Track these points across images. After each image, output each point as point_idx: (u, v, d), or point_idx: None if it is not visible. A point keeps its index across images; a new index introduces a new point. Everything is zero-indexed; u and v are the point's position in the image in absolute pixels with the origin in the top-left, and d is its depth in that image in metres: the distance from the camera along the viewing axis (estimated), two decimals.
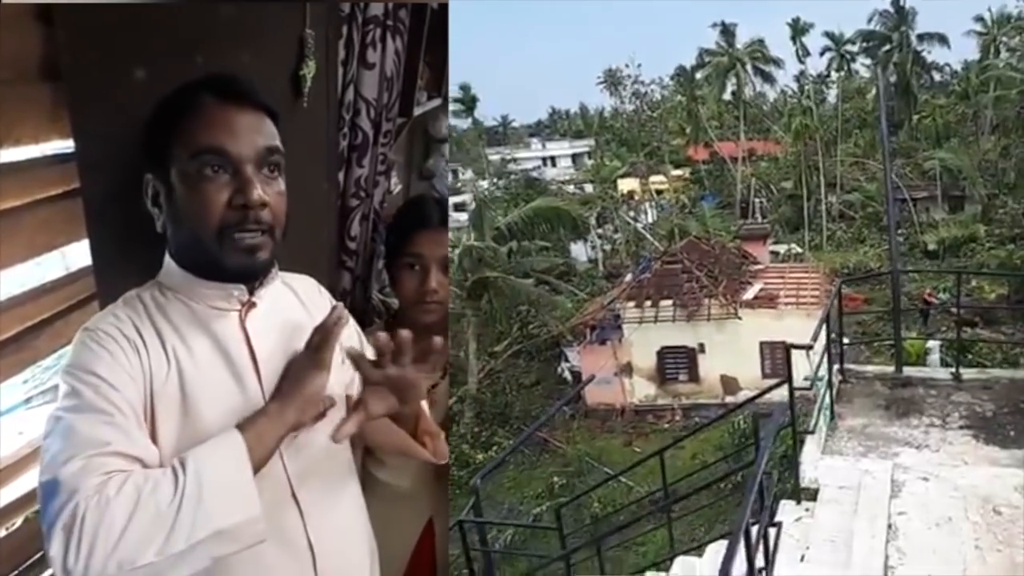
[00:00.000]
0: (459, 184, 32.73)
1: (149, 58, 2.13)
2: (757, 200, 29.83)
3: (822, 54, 33.56)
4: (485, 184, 31.47)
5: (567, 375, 17.11)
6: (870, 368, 5.23)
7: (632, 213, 27.22)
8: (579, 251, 25.21)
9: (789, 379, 3.67)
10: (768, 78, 33.11)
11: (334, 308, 1.98)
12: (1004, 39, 32.91)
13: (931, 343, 15.13)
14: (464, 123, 39.41)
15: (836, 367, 4.95)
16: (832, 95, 34.60)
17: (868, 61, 33.49)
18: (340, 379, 2.26)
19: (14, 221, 2.17)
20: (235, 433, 1.82)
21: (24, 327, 2.45)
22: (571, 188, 30.95)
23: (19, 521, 2.88)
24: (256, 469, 1.80)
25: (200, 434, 1.88)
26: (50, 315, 2.54)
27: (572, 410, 15.35)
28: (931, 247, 23.81)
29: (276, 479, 2.02)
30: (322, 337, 1.95)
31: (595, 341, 15.99)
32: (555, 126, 52.53)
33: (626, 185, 29.28)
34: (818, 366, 4.23)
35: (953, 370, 5.03)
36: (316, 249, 2.88)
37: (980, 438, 4.17)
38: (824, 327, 4.33)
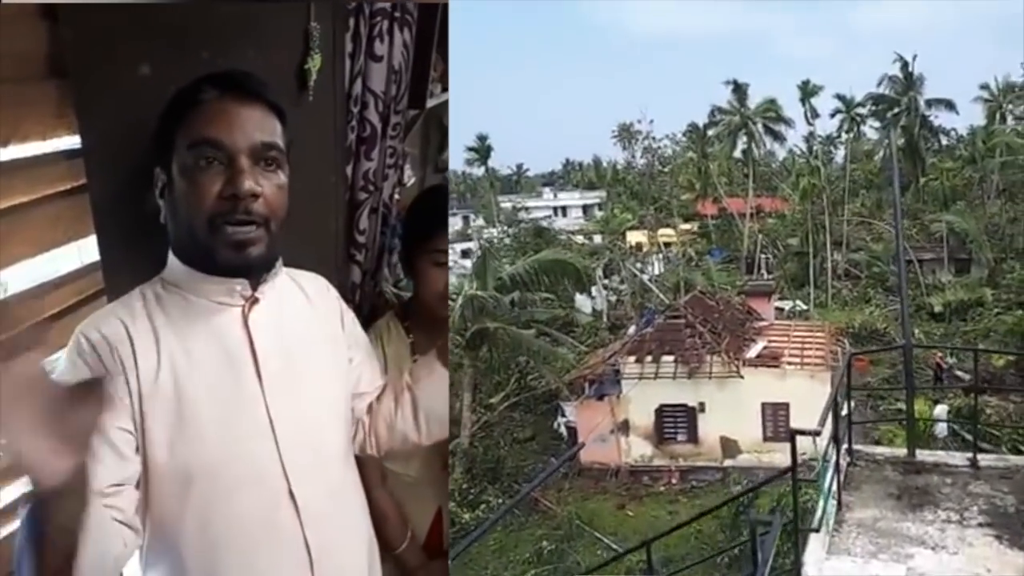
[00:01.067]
0: (469, 230, 32.84)
1: (154, 55, 2.16)
2: (763, 256, 29.80)
3: (832, 116, 33.93)
4: (495, 231, 31.69)
5: (563, 430, 16.69)
6: (880, 450, 4.87)
7: (639, 265, 27.14)
8: (584, 301, 24.98)
9: (793, 469, 3.41)
10: (778, 137, 33.59)
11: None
12: (1010, 107, 33.30)
13: (938, 409, 14.73)
14: (478, 171, 41.05)
15: (844, 447, 4.60)
16: (840, 155, 34.84)
17: (877, 124, 33.89)
18: (345, 384, 2.32)
19: (23, 217, 2.20)
20: None
21: (35, 322, 2.47)
22: (580, 238, 31.05)
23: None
24: None
25: (194, 433, 1.91)
26: (60, 309, 2.56)
27: (565, 469, 14.90)
28: (937, 309, 23.58)
29: (272, 483, 2.01)
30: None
31: (593, 396, 15.61)
32: (568, 177, 53.32)
33: (634, 237, 29.50)
34: (825, 451, 3.94)
35: (969, 455, 4.66)
36: (324, 243, 2.89)
37: (1003, 539, 3.79)
38: (833, 405, 4.04)
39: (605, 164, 44.14)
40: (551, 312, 19.95)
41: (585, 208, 41.65)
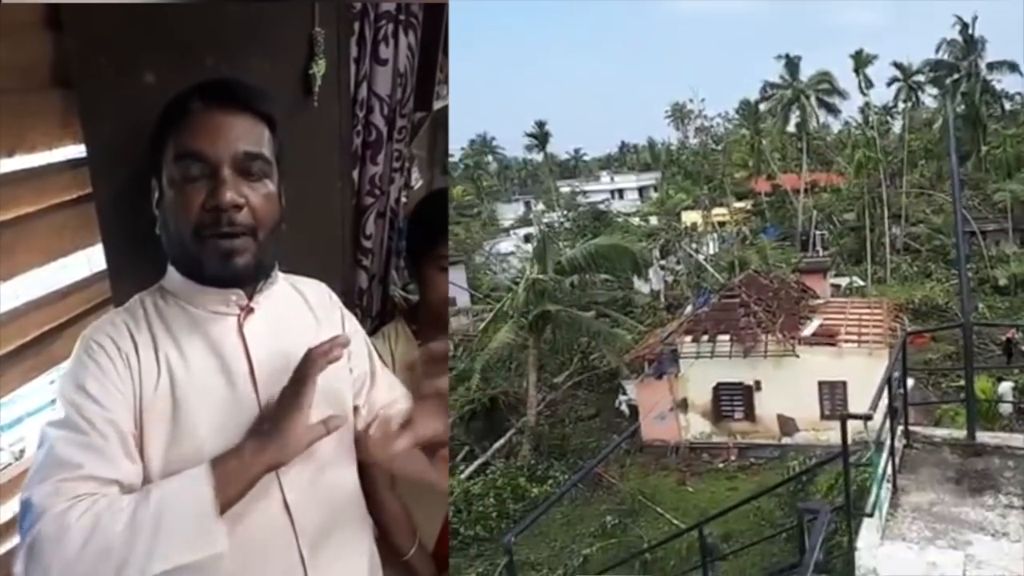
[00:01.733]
0: (530, 215, 33.60)
1: (158, 62, 2.16)
2: (818, 232, 29.37)
3: (889, 84, 32.80)
4: (556, 215, 31.97)
5: (624, 408, 17.21)
6: (939, 432, 4.71)
7: (694, 245, 27.26)
8: (641, 283, 25.40)
9: (845, 455, 3.39)
10: (832, 110, 32.71)
11: (329, 341, 1.93)
12: None
13: (1003, 386, 14.61)
14: (537, 157, 42.24)
15: (900, 429, 4.45)
16: (898, 126, 33.95)
17: (936, 91, 32.70)
18: (347, 391, 2.27)
19: (30, 227, 2.20)
20: (204, 470, 1.81)
21: (43, 330, 2.48)
22: (636, 220, 31.25)
23: None
24: (225, 507, 1.79)
25: (189, 441, 1.92)
26: (68, 318, 2.56)
27: (627, 445, 15.41)
28: (1002, 283, 23.06)
29: (267, 492, 1.99)
30: (307, 370, 1.90)
31: (652, 375, 16.03)
32: (624, 159, 53.66)
33: (689, 217, 29.36)
34: (879, 433, 3.80)
35: None
36: (331, 248, 2.88)
37: None
38: (886, 388, 3.97)
39: (659, 145, 43.97)
40: (610, 294, 20.39)
41: (641, 190, 41.90)
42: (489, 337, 15.61)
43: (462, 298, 20.78)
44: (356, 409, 2.33)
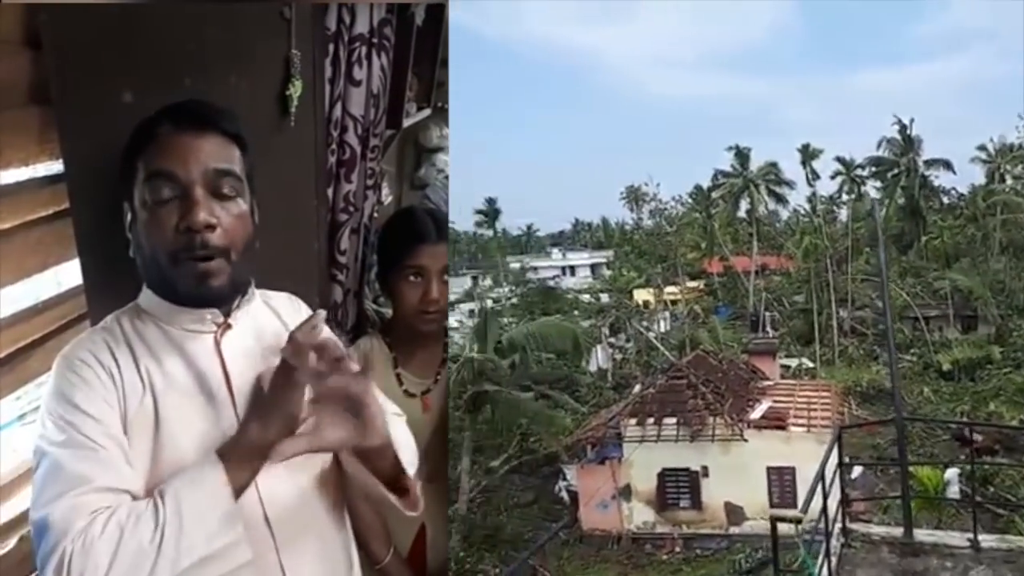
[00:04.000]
0: (477, 290, 33.44)
1: (137, 81, 2.20)
2: (768, 313, 29.69)
3: (833, 177, 34.29)
4: (504, 290, 31.88)
5: (564, 495, 16.32)
6: (876, 530, 4.71)
7: (645, 323, 27.11)
8: (586, 362, 24.87)
9: (775, 561, 3.30)
10: (781, 199, 34.04)
11: (309, 317, 1.91)
12: (1008, 167, 33.49)
13: (949, 473, 14.35)
14: (487, 232, 43.33)
15: (837, 527, 4.45)
16: (843, 215, 35.24)
17: (878, 184, 34.14)
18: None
19: (6, 242, 2.22)
20: (214, 461, 1.83)
21: (17, 347, 2.50)
22: (587, 297, 31.22)
23: (13, 541, 2.88)
24: (239, 492, 1.82)
25: (172, 456, 1.92)
26: (43, 335, 2.60)
27: (565, 535, 14.52)
28: (946, 367, 23.21)
29: (247, 508, 1.96)
30: (294, 349, 1.86)
31: (594, 460, 15.30)
32: (577, 237, 54.18)
33: (641, 295, 29.58)
34: (812, 534, 3.75)
35: (970, 535, 4.49)
36: (307, 263, 2.95)
37: None
38: (819, 485, 3.97)
39: (613, 224, 44.86)
40: (554, 373, 19.76)
41: (593, 267, 42.37)
42: None
43: None
44: None
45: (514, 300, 29.53)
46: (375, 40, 3.16)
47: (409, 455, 2.27)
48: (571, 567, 13.63)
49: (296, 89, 2.63)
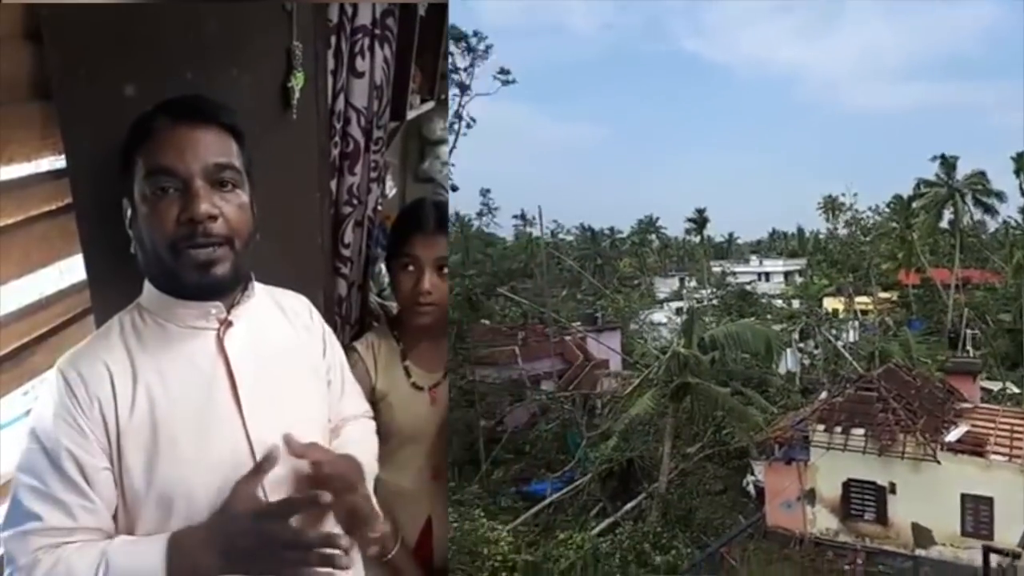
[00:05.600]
0: (684, 291, 36.54)
1: (138, 75, 2.17)
2: (969, 331, 28.18)
3: None
4: (708, 291, 33.22)
5: (751, 489, 17.29)
6: None
7: (834, 331, 27.14)
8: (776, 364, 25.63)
9: None
10: (989, 209, 31.76)
11: (311, 495, 1.92)
12: None
13: None
14: (695, 239, 46.93)
15: None
16: None
17: None
18: (325, 405, 2.33)
19: (9, 237, 2.18)
20: (160, 543, 1.84)
21: (22, 342, 2.46)
22: (779, 302, 31.71)
23: None
24: None
25: (172, 457, 1.93)
26: (47, 329, 2.54)
27: (752, 528, 15.53)
28: None
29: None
30: (288, 510, 1.89)
31: (781, 459, 16.04)
32: (773, 245, 56.30)
33: (831, 303, 29.31)
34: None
35: None
36: (310, 257, 2.91)
37: None
38: None
39: (808, 233, 45.57)
40: (748, 372, 20.66)
41: (787, 274, 44.10)
42: (633, 402, 16.46)
43: (615, 361, 21.38)
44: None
45: (715, 301, 30.09)
46: (378, 31, 3.11)
47: (370, 459, 2.39)
48: (755, 560, 14.37)
49: (298, 81, 2.59)
